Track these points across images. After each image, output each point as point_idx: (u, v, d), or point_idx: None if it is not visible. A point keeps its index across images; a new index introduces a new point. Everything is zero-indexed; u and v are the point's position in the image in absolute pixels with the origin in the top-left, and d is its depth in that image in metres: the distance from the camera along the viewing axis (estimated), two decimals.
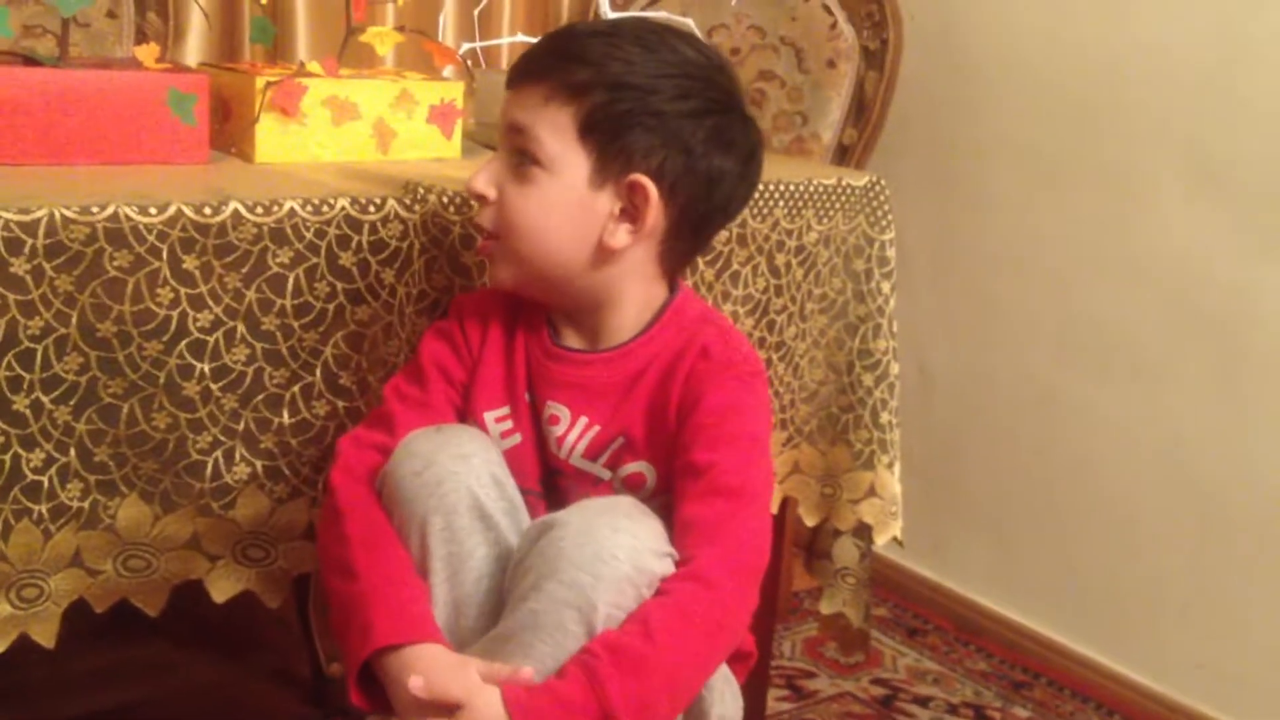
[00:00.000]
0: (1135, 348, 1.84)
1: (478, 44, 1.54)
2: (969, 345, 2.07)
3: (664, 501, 1.07)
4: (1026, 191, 1.97)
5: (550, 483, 1.13)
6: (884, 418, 1.55)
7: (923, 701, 1.83)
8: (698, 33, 1.15)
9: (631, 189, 1.05)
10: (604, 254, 1.07)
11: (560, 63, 1.05)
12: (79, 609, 1.09)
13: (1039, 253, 1.96)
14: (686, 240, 1.11)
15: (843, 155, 1.95)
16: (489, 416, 1.13)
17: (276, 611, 1.29)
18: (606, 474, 1.11)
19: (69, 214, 1.01)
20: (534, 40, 1.56)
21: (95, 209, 1.02)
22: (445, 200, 1.21)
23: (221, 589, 1.14)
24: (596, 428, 1.10)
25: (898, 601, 2.11)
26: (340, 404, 1.17)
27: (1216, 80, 1.73)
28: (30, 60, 1.24)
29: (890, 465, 1.56)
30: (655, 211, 1.05)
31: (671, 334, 1.11)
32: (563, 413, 1.11)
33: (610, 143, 1.04)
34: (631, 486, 1.10)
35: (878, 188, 1.54)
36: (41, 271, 1.01)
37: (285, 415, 1.15)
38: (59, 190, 1.07)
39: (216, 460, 1.12)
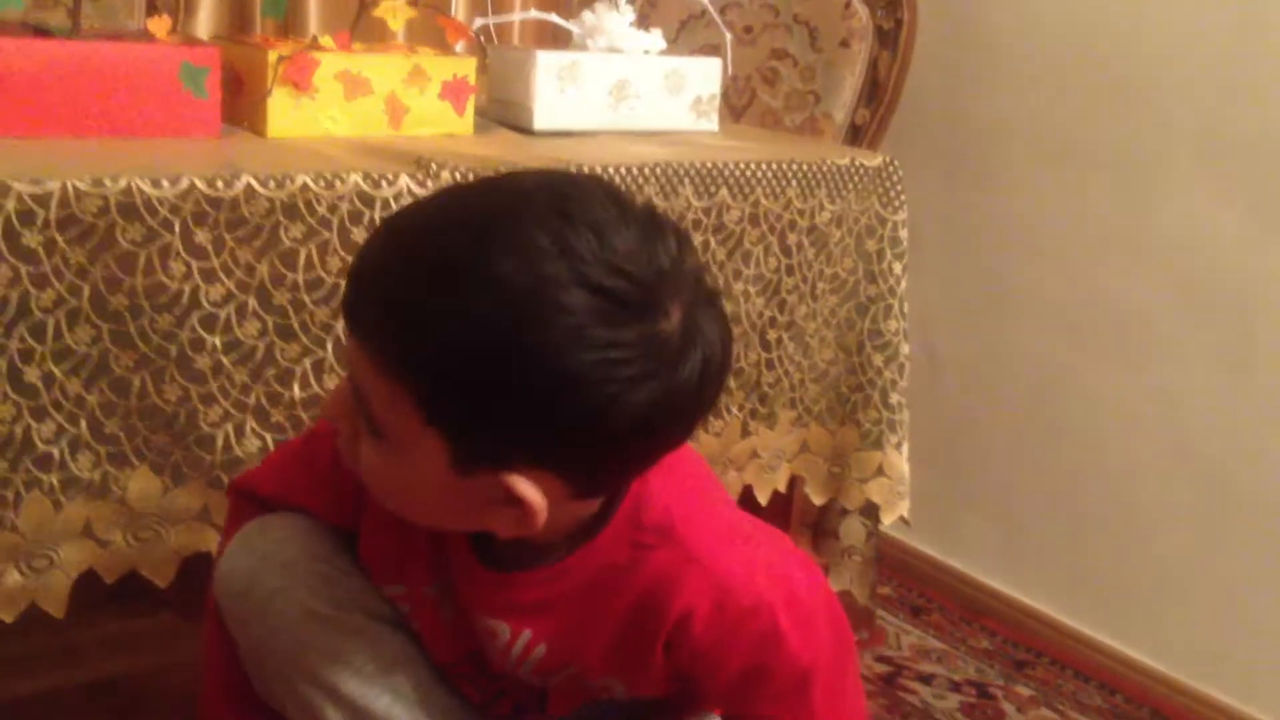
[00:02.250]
0: (1145, 330, 1.84)
1: (490, 19, 1.54)
2: (978, 326, 2.07)
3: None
4: (1039, 172, 1.96)
5: (461, 668, 1.01)
6: (893, 398, 1.56)
7: (926, 679, 1.84)
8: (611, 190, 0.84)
9: (508, 489, 0.81)
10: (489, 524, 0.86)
11: (374, 330, 0.80)
12: (87, 579, 1.10)
13: (1051, 234, 1.95)
14: (608, 481, 0.87)
15: (855, 135, 1.94)
16: (385, 591, 1.00)
17: None
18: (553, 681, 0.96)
19: (81, 186, 1.01)
20: (548, 17, 1.56)
21: (108, 181, 1.03)
22: (458, 176, 1.21)
23: None
24: (542, 648, 0.93)
25: (902, 580, 2.12)
26: None
27: (1232, 61, 1.72)
28: (42, 32, 1.24)
29: (899, 445, 1.56)
30: (544, 496, 0.81)
31: (626, 540, 0.89)
32: (501, 629, 0.93)
33: (468, 432, 0.79)
34: (602, 691, 0.96)
35: (891, 168, 1.54)
36: (54, 243, 1.01)
37: (296, 389, 1.15)
38: (71, 163, 1.07)
39: (227, 433, 1.12)
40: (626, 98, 1.52)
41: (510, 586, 0.92)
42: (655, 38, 1.55)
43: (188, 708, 1.67)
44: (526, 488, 0.80)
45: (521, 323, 0.74)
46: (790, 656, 0.90)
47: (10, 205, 0.98)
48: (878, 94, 1.96)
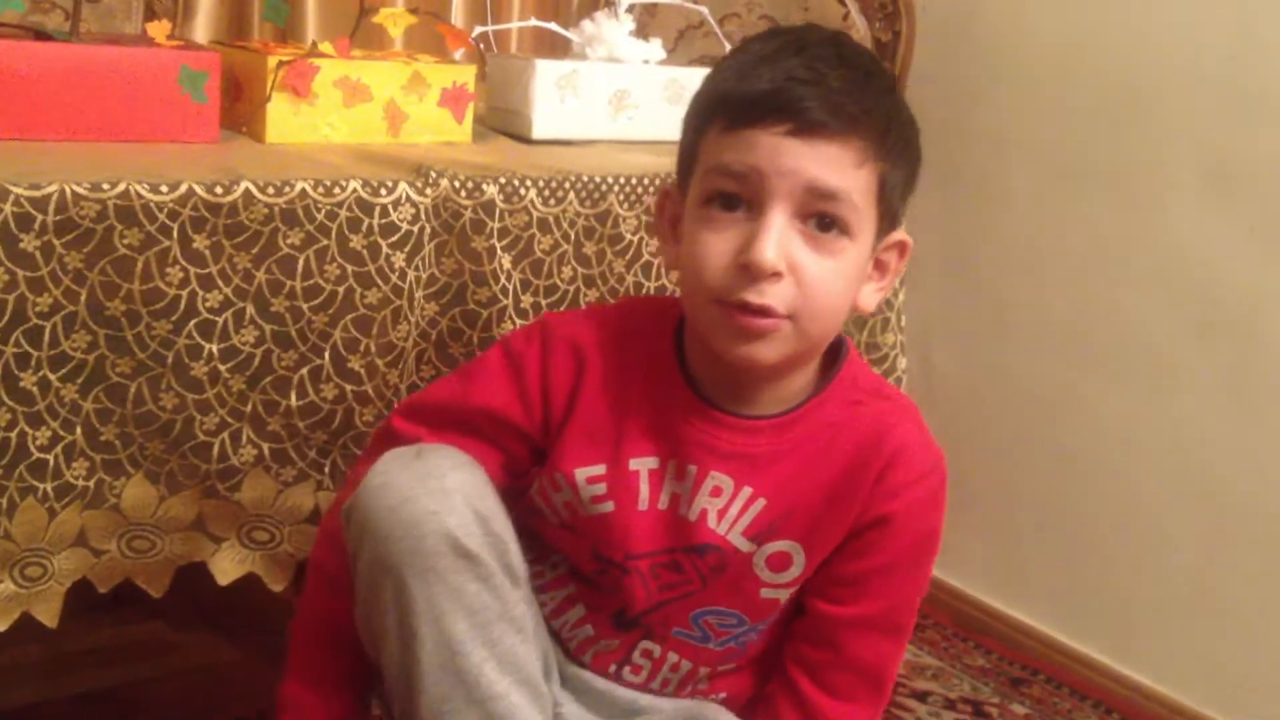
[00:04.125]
0: (1147, 348, 1.83)
1: (490, 27, 1.53)
2: (976, 342, 2.07)
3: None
4: (1039, 189, 1.96)
5: (678, 556, 1.02)
6: None
7: (920, 696, 1.83)
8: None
9: (901, 249, 1.00)
10: (847, 317, 0.99)
11: (868, 119, 0.91)
12: (79, 588, 1.09)
13: (1051, 250, 1.95)
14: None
15: None
16: (580, 475, 1.01)
17: (278, 593, 1.28)
18: (753, 548, 1.01)
19: (79, 190, 1.00)
20: (548, 26, 1.56)
21: (106, 186, 1.02)
22: (457, 184, 1.20)
23: (225, 571, 1.13)
24: (762, 501, 1.00)
25: None
26: (349, 387, 1.16)
27: (1235, 80, 1.71)
28: (41, 35, 1.23)
29: None
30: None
31: (843, 399, 1.02)
32: (725, 484, 1.00)
33: (896, 205, 0.97)
34: (776, 567, 1.02)
35: None
36: (51, 248, 1.00)
37: (293, 398, 1.14)
38: (69, 166, 1.06)
39: (223, 442, 1.11)
40: (625, 107, 1.51)
41: (751, 433, 0.99)
42: (654, 47, 1.55)
43: (181, 718, 1.66)
44: (909, 240, 1.00)
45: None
46: (939, 524, 1.03)
47: (8, 209, 0.97)
48: None
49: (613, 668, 1.08)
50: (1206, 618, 1.78)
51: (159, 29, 1.27)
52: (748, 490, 0.99)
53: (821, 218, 0.91)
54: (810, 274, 0.91)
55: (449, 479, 0.94)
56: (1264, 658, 1.72)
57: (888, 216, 0.96)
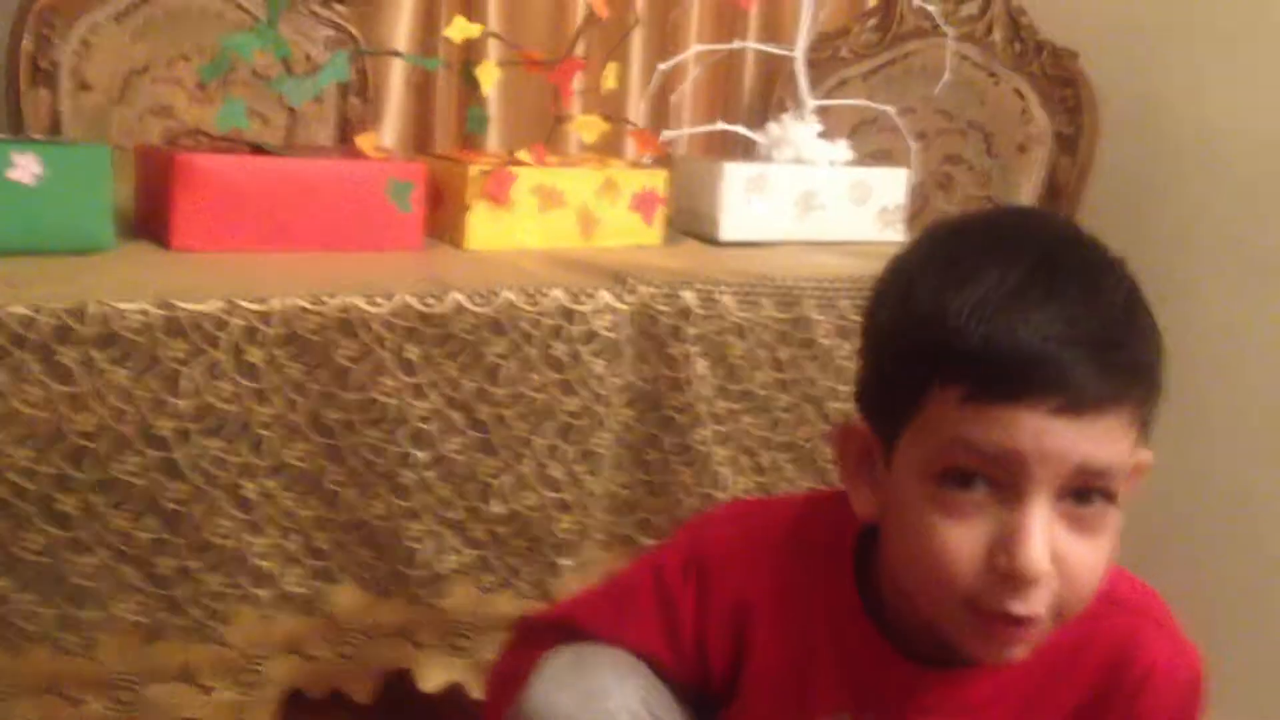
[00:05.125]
0: None
1: (678, 132, 1.55)
2: (1167, 439, 1.99)
3: None
4: (1227, 281, 1.89)
5: None
6: None
7: None
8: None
9: (1139, 470, 0.80)
10: None
11: (1132, 376, 0.74)
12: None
13: (1242, 345, 1.88)
14: None
15: None
16: None
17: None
18: None
19: (302, 304, 1.03)
20: (735, 129, 1.57)
21: (326, 299, 1.05)
22: (655, 292, 1.20)
23: (430, 678, 1.14)
24: None
25: None
26: (548, 495, 1.16)
27: None
28: (257, 149, 1.28)
29: None
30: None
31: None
32: None
33: (1145, 433, 0.79)
34: None
35: None
36: (274, 360, 1.03)
37: (496, 505, 1.15)
38: (287, 279, 1.09)
39: (429, 549, 1.12)
40: (813, 208, 1.51)
41: (965, 684, 0.84)
42: (841, 149, 1.54)
43: None
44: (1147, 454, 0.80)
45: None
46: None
47: (235, 323, 1.01)
48: (1057, 200, 1.92)
49: None
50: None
51: (367, 141, 1.31)
52: None
53: (1083, 493, 0.74)
54: (1075, 563, 0.74)
55: (613, 699, 0.85)
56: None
57: (1143, 436, 0.79)
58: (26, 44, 1.78)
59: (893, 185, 1.56)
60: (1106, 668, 0.84)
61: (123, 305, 0.97)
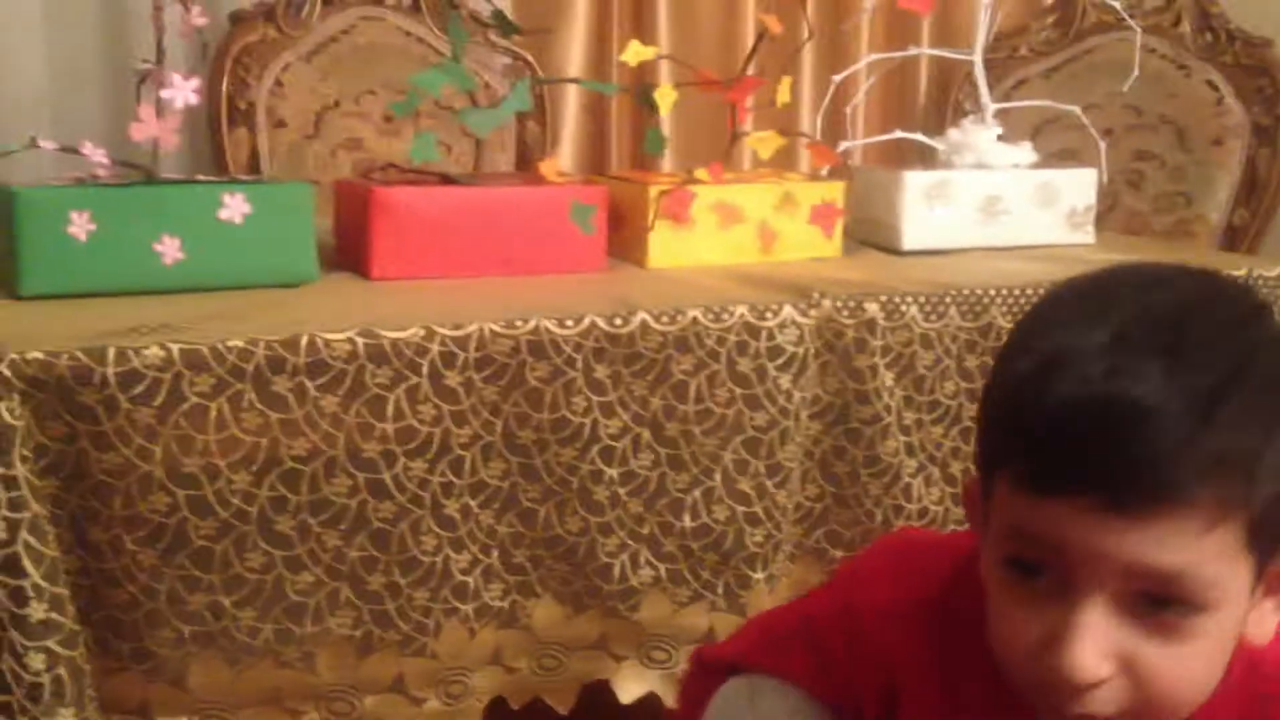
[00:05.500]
0: None
1: (854, 142, 1.55)
2: None
3: None
4: None
5: None
6: None
7: None
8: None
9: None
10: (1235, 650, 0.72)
11: (1217, 467, 0.63)
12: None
13: None
14: None
15: (1233, 237, 1.83)
16: None
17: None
18: None
19: (496, 328, 1.07)
20: (913, 137, 1.55)
21: (519, 323, 1.08)
22: (839, 304, 1.20)
23: (628, 690, 1.16)
24: None
25: None
26: (739, 509, 1.17)
27: None
28: (447, 179, 1.33)
29: None
30: None
31: (1246, 695, 0.75)
32: None
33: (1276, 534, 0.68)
34: None
35: None
36: (471, 383, 1.06)
37: (687, 519, 1.16)
38: (479, 304, 1.13)
39: (623, 563, 1.14)
40: (997, 213, 1.48)
41: None
42: (1025, 151, 1.52)
43: None
44: None
45: None
46: None
47: (434, 349, 1.05)
48: (1257, 193, 1.85)
49: None
50: None
51: (550, 167, 1.35)
52: None
53: (1156, 600, 0.66)
54: (1151, 667, 0.66)
55: None
56: None
57: (1268, 552, 0.68)
58: (226, 87, 1.89)
59: (1081, 186, 1.52)
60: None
61: (330, 335, 1.02)
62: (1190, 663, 0.67)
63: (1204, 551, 0.63)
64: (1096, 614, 0.65)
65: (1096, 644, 0.65)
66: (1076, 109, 1.56)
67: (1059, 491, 0.64)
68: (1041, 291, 1.25)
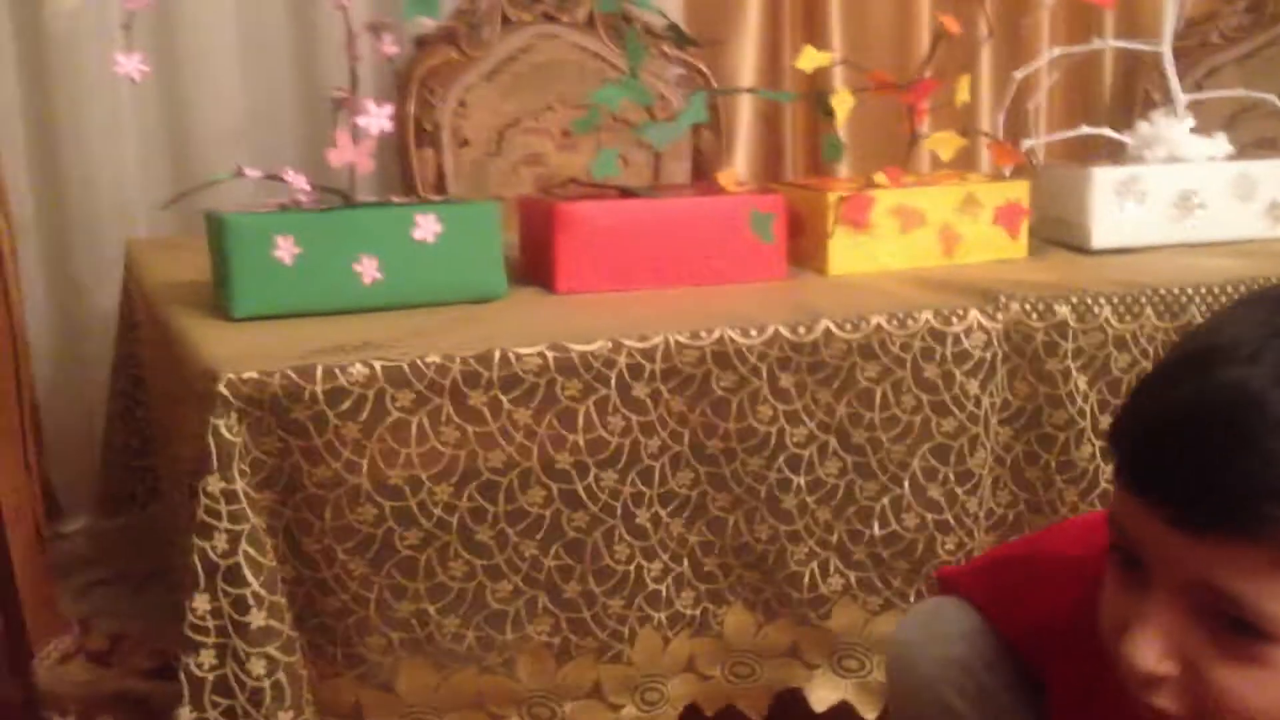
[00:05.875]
0: None
1: (1039, 139, 1.52)
2: None
3: None
4: None
5: None
6: None
7: None
8: None
9: None
10: None
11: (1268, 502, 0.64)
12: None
13: None
14: None
15: None
16: None
17: None
18: None
19: (681, 340, 1.08)
20: (1101, 132, 1.51)
21: (703, 334, 1.09)
22: (1028, 307, 1.18)
23: (821, 698, 1.16)
24: None
25: None
26: (929, 516, 1.16)
27: None
28: (626, 192, 1.35)
29: None
30: None
31: None
32: None
33: None
34: None
35: None
36: (659, 394, 1.08)
37: (876, 527, 1.16)
38: (663, 315, 1.14)
39: (813, 571, 1.15)
40: (1191, 208, 1.43)
41: None
42: (1220, 143, 1.46)
43: None
44: None
45: None
46: None
47: (621, 360, 1.07)
48: None
49: None
50: None
51: (729, 178, 1.36)
52: None
53: (1231, 621, 0.66)
54: (1215, 681, 0.67)
55: (956, 647, 0.92)
56: None
57: None
58: (413, 109, 1.96)
59: None
60: None
61: (521, 350, 1.04)
62: (1257, 690, 0.66)
63: (1275, 582, 0.64)
64: (1166, 612, 0.67)
65: (1159, 638, 0.67)
66: (1273, 97, 1.50)
67: (1140, 492, 0.67)
68: (1242, 289, 1.23)
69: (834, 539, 1.15)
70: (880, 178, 1.38)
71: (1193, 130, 1.46)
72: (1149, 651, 0.68)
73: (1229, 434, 0.63)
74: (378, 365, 1.01)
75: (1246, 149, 1.67)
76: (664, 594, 1.11)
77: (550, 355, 1.05)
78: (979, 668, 0.91)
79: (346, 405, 1.00)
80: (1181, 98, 1.47)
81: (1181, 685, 0.68)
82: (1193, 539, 0.65)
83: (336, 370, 1.00)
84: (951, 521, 1.17)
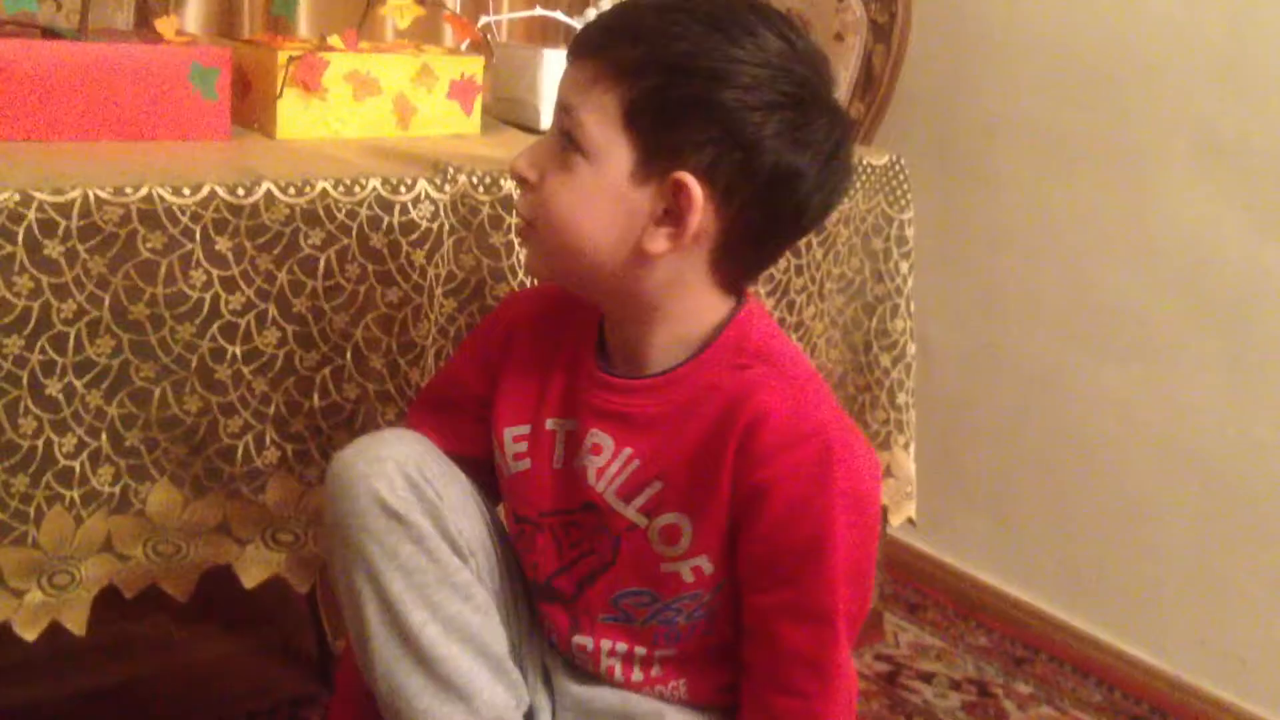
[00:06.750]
0: (1142, 326, 1.85)
1: (495, 17, 1.52)
2: (973, 322, 2.08)
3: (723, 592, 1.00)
4: (1034, 170, 1.97)
5: (576, 515, 1.03)
6: (900, 398, 1.56)
7: (926, 678, 1.85)
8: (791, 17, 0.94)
9: (675, 188, 0.90)
10: (641, 258, 0.93)
11: (612, 39, 0.92)
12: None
13: (1046, 231, 1.96)
14: (744, 250, 0.95)
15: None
16: (509, 434, 1.05)
17: (281, 587, 1.26)
18: (642, 520, 0.99)
19: (102, 195, 0.99)
20: (553, 15, 1.55)
21: (129, 190, 1.00)
22: (475, 180, 1.19)
23: (251, 574, 1.13)
24: (636, 463, 0.98)
25: (897, 576, 2.12)
26: (370, 387, 1.16)
27: (1228, 58, 1.73)
28: (50, 33, 1.21)
29: (906, 446, 1.56)
30: (701, 215, 0.91)
31: (728, 363, 0.97)
32: (606, 443, 0.99)
33: (658, 133, 0.90)
34: (667, 539, 0.99)
35: (897, 167, 1.53)
36: (75, 254, 0.99)
37: (316, 398, 1.13)
38: (86, 169, 1.04)
39: (247, 444, 1.10)
40: None
41: (628, 393, 0.99)
42: None
43: (183, 714, 1.65)
44: (692, 183, 0.90)
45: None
46: (829, 499, 0.93)
47: (31, 215, 0.96)
48: (872, 88, 1.95)
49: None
50: (1204, 593, 1.81)
51: (167, 25, 1.26)
52: (627, 450, 0.99)
53: (565, 134, 0.94)
54: (546, 184, 0.95)
55: (385, 449, 0.99)
56: (1261, 632, 1.75)
57: (656, 149, 0.91)
58: None
59: None
60: (723, 410, 0.96)
61: None
62: (564, 192, 0.94)
63: (587, 100, 0.92)
64: (547, 139, 0.97)
65: (532, 153, 0.97)
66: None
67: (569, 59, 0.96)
68: None
69: (270, 411, 1.11)
70: (335, 40, 1.33)
71: None
72: (522, 160, 0.97)
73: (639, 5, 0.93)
74: None
75: None
76: (77, 471, 1.02)
77: None
78: (412, 463, 0.99)
79: None
80: None
81: (533, 191, 0.96)
82: (571, 70, 0.94)
83: None
84: (393, 392, 1.17)
